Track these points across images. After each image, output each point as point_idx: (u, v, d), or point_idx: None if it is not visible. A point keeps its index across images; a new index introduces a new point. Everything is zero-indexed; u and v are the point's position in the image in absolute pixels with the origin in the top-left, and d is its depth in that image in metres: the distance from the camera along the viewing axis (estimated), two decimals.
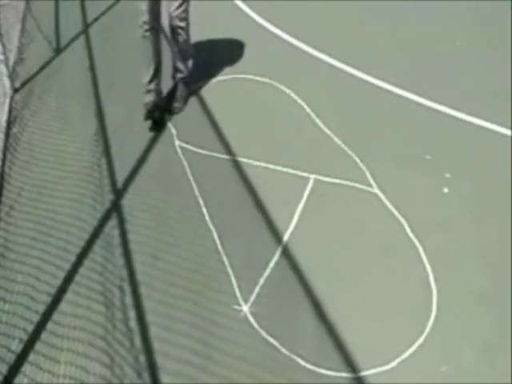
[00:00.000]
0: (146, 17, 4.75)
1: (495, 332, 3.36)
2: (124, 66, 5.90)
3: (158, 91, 5.13)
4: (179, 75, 5.33)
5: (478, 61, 5.67)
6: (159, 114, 5.03)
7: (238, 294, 3.60)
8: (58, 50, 6.32)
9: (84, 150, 4.79)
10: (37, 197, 4.33)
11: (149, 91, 5.06)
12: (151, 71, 5.00)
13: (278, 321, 3.45)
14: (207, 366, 3.21)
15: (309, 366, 3.20)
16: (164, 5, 4.88)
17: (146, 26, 4.79)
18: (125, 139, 4.89)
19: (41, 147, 4.84)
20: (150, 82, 5.03)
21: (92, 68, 5.92)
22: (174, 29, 4.97)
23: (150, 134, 4.92)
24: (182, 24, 4.96)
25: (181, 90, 5.33)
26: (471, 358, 3.23)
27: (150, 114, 4.96)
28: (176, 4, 4.84)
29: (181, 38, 5.04)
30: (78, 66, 6.02)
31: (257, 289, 3.63)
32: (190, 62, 5.31)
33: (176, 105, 5.26)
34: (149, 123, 4.98)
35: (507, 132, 4.77)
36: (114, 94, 5.53)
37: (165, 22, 4.99)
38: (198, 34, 5.56)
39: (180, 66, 5.27)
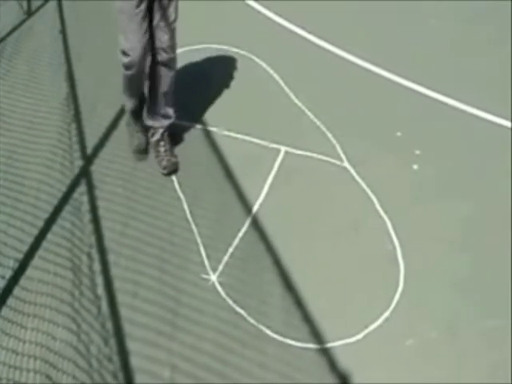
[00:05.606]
0: (129, 53, 3.84)
1: (459, 309, 3.42)
2: (96, 31, 5.81)
3: (144, 134, 4.38)
4: (164, 122, 4.26)
5: (456, 41, 5.68)
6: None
7: (206, 263, 3.62)
8: (29, 13, 6.20)
9: (54, 115, 4.72)
10: (5, 161, 4.26)
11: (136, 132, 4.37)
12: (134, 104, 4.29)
13: (245, 291, 3.47)
14: (174, 333, 3.23)
15: (276, 336, 3.23)
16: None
17: (129, 59, 3.87)
18: (96, 105, 4.83)
19: (10, 111, 4.74)
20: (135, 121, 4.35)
21: (63, 32, 5.82)
22: (165, 64, 4.02)
23: (122, 101, 4.84)
24: (174, 55, 4.06)
25: (167, 142, 4.31)
26: (435, 333, 3.29)
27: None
28: (167, 35, 3.91)
29: (172, 73, 4.10)
30: (49, 29, 5.91)
31: (225, 258, 3.64)
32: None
33: (172, 160, 4.24)
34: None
35: (476, 111, 4.80)
36: (86, 59, 5.43)
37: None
38: None
39: (169, 110, 4.25)
